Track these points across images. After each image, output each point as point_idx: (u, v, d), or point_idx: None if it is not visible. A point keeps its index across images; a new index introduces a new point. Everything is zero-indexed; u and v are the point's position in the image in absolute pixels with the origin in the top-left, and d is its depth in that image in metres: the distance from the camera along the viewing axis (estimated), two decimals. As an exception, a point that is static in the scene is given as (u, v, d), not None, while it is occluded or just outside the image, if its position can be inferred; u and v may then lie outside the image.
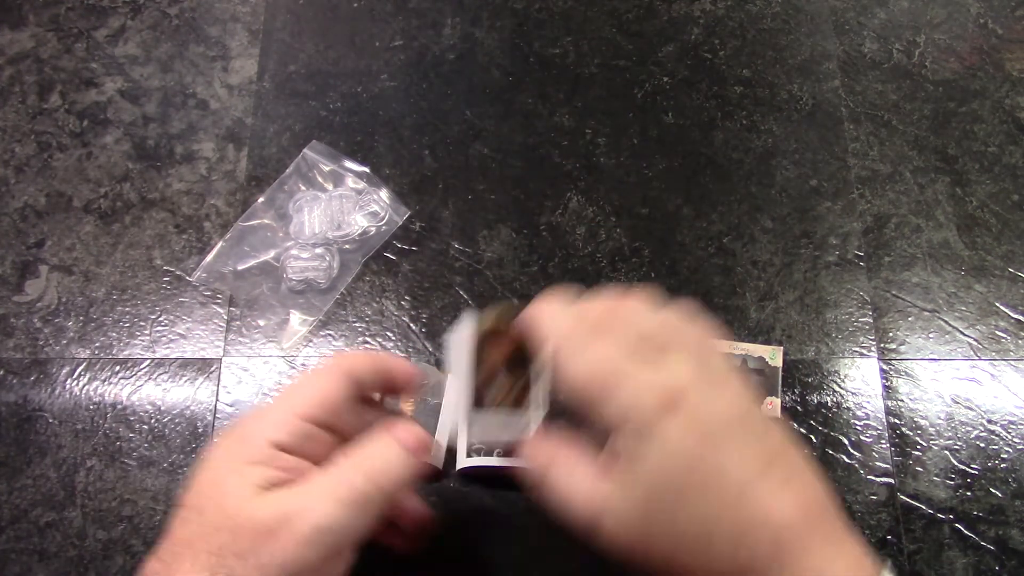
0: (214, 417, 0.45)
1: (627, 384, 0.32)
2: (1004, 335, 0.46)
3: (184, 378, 0.47)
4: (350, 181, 0.50)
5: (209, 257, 0.49)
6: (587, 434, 0.34)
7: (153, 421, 0.46)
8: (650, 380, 0.32)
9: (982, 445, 0.44)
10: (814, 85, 0.53)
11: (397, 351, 0.47)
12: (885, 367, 0.46)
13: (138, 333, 0.48)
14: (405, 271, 0.49)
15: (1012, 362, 0.46)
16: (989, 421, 0.44)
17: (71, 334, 0.48)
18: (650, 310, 0.35)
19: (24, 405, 0.46)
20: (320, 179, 0.51)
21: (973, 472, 0.43)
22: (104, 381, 0.47)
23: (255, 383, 0.46)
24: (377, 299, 0.48)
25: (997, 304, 0.47)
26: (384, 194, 0.50)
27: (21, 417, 0.46)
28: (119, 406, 0.46)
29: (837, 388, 0.45)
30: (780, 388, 0.45)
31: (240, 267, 0.49)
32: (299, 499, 0.30)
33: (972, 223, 0.49)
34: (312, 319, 0.48)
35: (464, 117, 0.52)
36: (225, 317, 0.48)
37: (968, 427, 0.44)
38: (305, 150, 0.51)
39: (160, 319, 0.48)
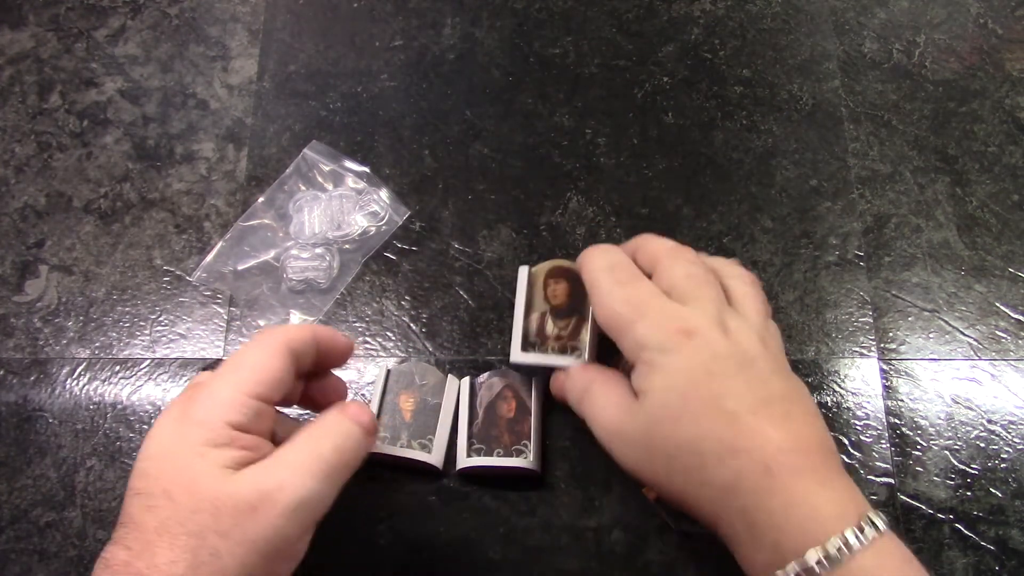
0: (214, 417, 0.45)
1: (647, 318, 0.35)
2: (1004, 335, 0.46)
3: (184, 378, 0.47)
4: (350, 181, 0.50)
5: (209, 257, 0.49)
6: (624, 369, 0.38)
7: (153, 421, 0.46)
8: (668, 316, 0.35)
9: (982, 445, 0.44)
10: (814, 85, 0.53)
11: (397, 351, 0.47)
12: (885, 367, 0.46)
13: (138, 333, 0.48)
14: (405, 271, 0.49)
15: (1012, 362, 0.46)
16: (989, 421, 0.44)
17: (71, 334, 0.48)
18: (691, 261, 0.38)
19: (24, 405, 0.46)
20: (320, 179, 0.51)
21: (973, 472, 0.43)
22: (104, 381, 0.47)
23: (255, 383, 0.46)
24: (377, 299, 0.48)
25: (997, 304, 0.47)
26: (384, 194, 0.50)
27: (21, 417, 0.46)
28: (119, 406, 0.46)
29: (837, 388, 0.45)
30: (780, 388, 0.45)
31: (240, 267, 0.49)
32: (274, 475, 0.30)
33: (972, 223, 0.49)
34: (312, 319, 0.48)
35: (464, 117, 0.52)
36: (225, 317, 0.48)
37: (968, 427, 0.44)
38: (305, 150, 0.51)
39: (160, 319, 0.48)
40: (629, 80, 0.53)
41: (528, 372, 0.44)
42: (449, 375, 0.45)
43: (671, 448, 0.34)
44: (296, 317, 0.48)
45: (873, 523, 0.31)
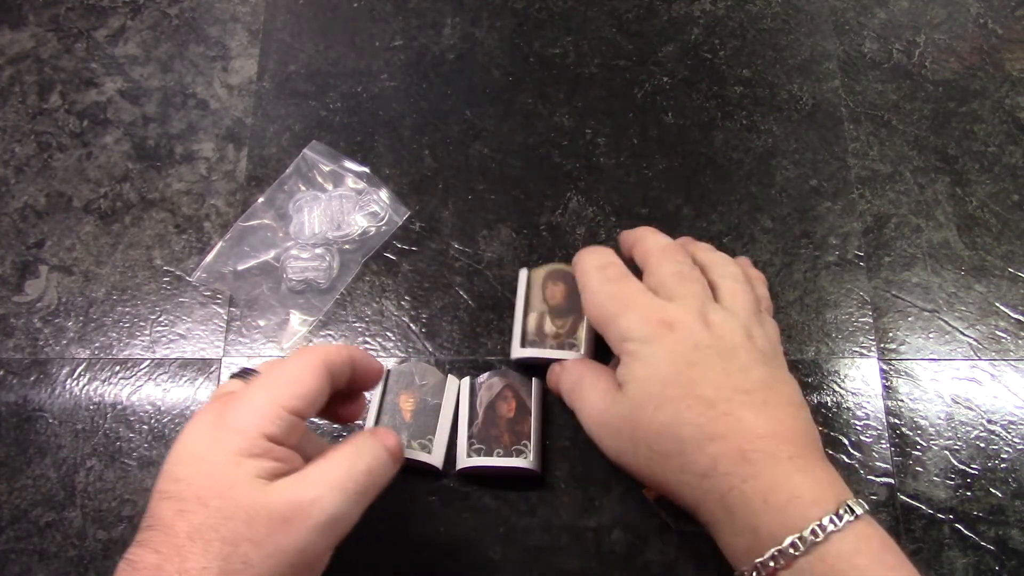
0: (214, 417, 0.45)
1: (631, 311, 0.37)
2: (1004, 335, 0.46)
3: (184, 378, 0.47)
4: (350, 181, 0.50)
5: (209, 257, 0.49)
6: (614, 365, 0.39)
7: (153, 421, 0.46)
8: (651, 309, 0.37)
9: (982, 445, 0.44)
10: (814, 85, 0.53)
11: (397, 351, 0.47)
12: (885, 367, 0.46)
13: (138, 333, 0.48)
14: (405, 271, 0.49)
15: (1012, 362, 0.46)
16: (989, 421, 0.44)
17: (71, 334, 0.48)
18: (679, 261, 0.39)
19: (24, 405, 0.46)
20: (320, 179, 0.51)
21: (973, 472, 0.43)
22: (104, 381, 0.47)
23: (255, 383, 0.46)
24: (377, 299, 0.48)
25: (997, 304, 0.47)
26: (384, 194, 0.50)
27: (21, 417, 0.46)
28: (119, 406, 0.46)
29: (837, 388, 0.45)
30: (780, 388, 0.45)
31: (240, 267, 0.49)
32: (309, 489, 0.30)
33: (972, 223, 0.49)
34: (312, 319, 0.48)
35: (464, 117, 0.52)
36: (225, 317, 0.48)
37: (968, 427, 0.44)
38: (305, 150, 0.51)
39: (160, 319, 0.48)
40: (629, 80, 0.53)
41: (528, 370, 0.44)
42: (449, 375, 0.45)
43: (651, 435, 0.35)
44: (296, 317, 0.48)
45: (851, 509, 0.31)
